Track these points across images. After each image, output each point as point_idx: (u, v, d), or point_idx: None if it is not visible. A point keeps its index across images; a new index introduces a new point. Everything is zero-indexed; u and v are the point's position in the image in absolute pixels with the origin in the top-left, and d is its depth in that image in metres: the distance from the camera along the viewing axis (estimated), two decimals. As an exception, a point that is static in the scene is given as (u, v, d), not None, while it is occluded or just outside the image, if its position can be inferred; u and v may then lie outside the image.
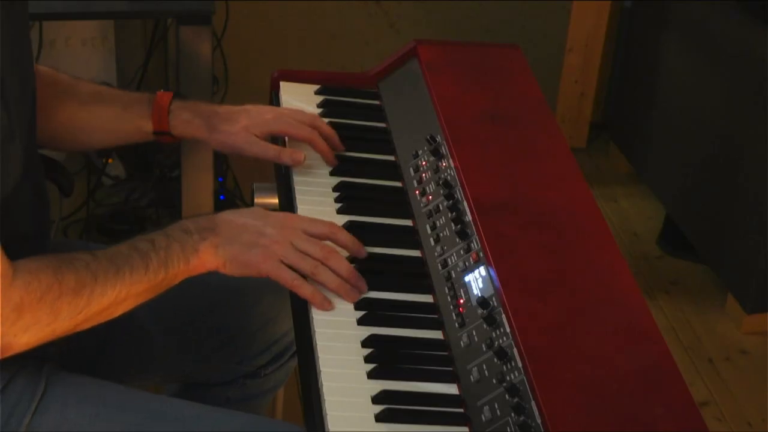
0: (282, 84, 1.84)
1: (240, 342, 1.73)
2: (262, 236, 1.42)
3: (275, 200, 1.66)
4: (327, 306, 1.40)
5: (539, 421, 1.19)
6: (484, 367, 1.30)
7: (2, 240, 1.26)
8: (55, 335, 1.31)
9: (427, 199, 1.57)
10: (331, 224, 1.46)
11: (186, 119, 1.63)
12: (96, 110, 1.64)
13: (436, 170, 1.59)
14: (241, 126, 1.62)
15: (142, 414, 1.43)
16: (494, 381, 1.27)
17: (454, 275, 1.44)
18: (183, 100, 1.65)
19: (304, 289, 1.40)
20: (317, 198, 1.60)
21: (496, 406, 1.24)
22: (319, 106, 1.81)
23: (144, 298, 1.38)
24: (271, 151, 1.62)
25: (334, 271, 1.42)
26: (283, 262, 1.41)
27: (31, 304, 1.25)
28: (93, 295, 1.31)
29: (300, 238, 1.43)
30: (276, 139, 1.69)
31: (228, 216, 1.44)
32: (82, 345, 1.53)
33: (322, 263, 1.42)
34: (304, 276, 1.41)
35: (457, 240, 1.47)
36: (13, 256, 1.28)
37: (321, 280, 1.41)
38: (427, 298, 1.45)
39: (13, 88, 1.32)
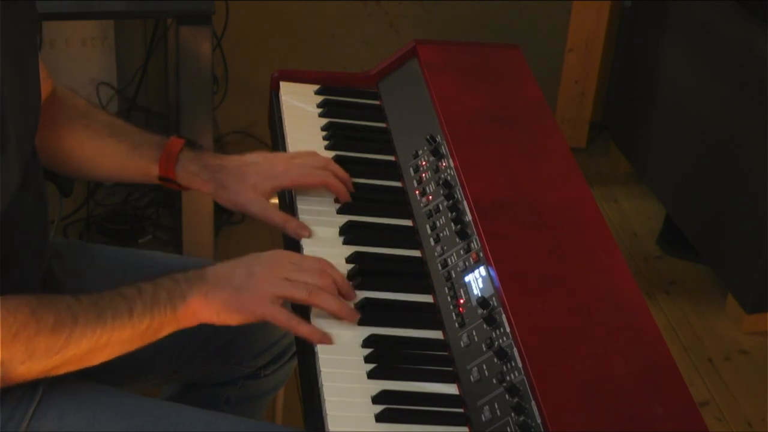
0: (282, 84, 1.84)
1: (240, 342, 1.73)
2: (252, 276, 1.37)
3: (275, 200, 1.66)
4: (327, 341, 1.36)
5: (539, 421, 1.19)
6: (484, 367, 1.30)
7: (2, 248, 1.25)
8: (30, 375, 1.29)
9: (427, 199, 1.57)
10: (322, 261, 1.42)
11: (193, 172, 1.58)
12: (106, 144, 1.60)
13: (436, 170, 1.59)
14: (250, 184, 1.56)
15: (140, 419, 1.43)
16: (494, 381, 1.27)
17: (454, 275, 1.43)
18: (193, 149, 1.60)
19: (301, 328, 1.36)
20: (317, 198, 1.60)
21: (496, 406, 1.24)
22: (319, 106, 1.81)
23: (128, 347, 1.34)
24: (278, 219, 1.55)
25: (334, 280, 1.39)
26: (278, 298, 1.36)
27: (4, 340, 1.24)
28: (72, 337, 1.28)
29: (289, 269, 1.39)
30: None
31: (218, 265, 1.40)
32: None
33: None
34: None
35: (457, 240, 1.47)
36: (13, 262, 1.27)
37: (318, 303, 1.37)
38: (427, 298, 1.45)
39: (12, 93, 1.31)
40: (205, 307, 1.36)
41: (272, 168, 1.58)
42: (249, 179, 1.57)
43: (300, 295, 1.37)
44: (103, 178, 1.69)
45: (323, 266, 1.41)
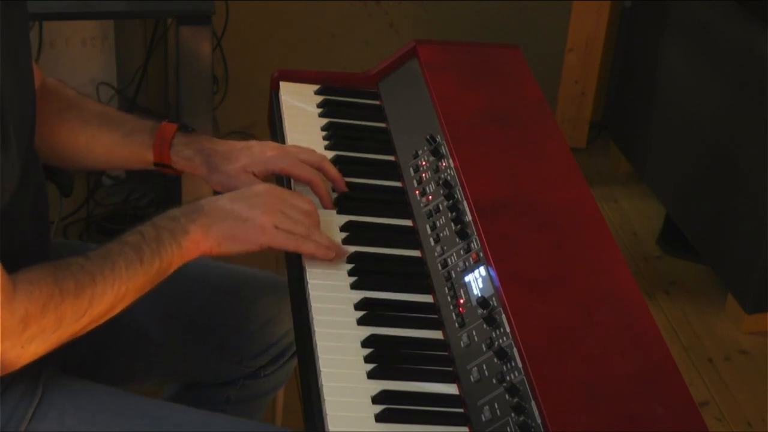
0: (282, 84, 1.84)
1: (239, 342, 1.73)
2: (252, 208, 1.43)
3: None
4: (331, 254, 1.45)
5: (539, 421, 1.19)
6: (484, 367, 1.30)
7: (2, 247, 1.25)
8: (62, 341, 1.30)
9: (427, 199, 1.57)
10: (309, 201, 1.49)
11: (187, 156, 1.59)
12: (98, 132, 1.61)
13: (436, 170, 1.59)
14: (241, 165, 1.58)
15: (139, 420, 1.43)
16: (494, 381, 1.27)
17: (454, 275, 1.44)
18: (187, 133, 1.61)
19: (308, 246, 1.45)
20: (317, 198, 1.59)
21: (496, 406, 1.24)
22: (319, 106, 1.81)
23: (143, 291, 1.37)
24: None
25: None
26: (278, 228, 1.43)
27: (35, 313, 1.25)
28: (94, 296, 1.30)
29: (286, 204, 1.45)
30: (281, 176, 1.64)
31: (212, 199, 1.45)
32: (81, 348, 1.53)
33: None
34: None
35: (457, 240, 1.47)
36: (13, 262, 1.28)
37: (315, 239, 1.45)
38: (427, 298, 1.45)
39: (11, 92, 1.31)
40: (206, 238, 1.41)
41: (264, 152, 1.60)
42: (240, 161, 1.58)
43: (299, 230, 1.45)
44: (98, 166, 1.69)
45: (312, 207, 1.49)
